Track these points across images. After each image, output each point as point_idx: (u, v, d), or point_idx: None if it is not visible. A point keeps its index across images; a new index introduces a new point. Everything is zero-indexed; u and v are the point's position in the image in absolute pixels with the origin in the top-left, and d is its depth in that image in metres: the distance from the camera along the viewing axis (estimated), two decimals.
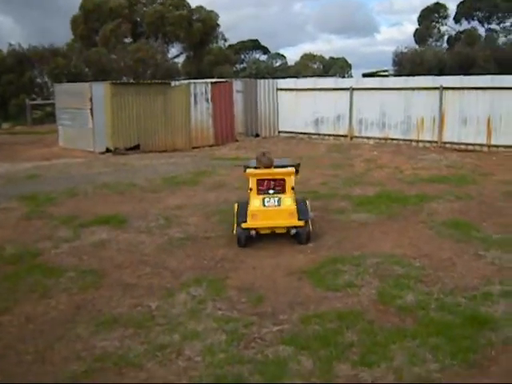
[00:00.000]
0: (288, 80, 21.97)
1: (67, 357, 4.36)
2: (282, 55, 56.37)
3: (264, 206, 6.98)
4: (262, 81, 21.00)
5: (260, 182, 7.08)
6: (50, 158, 15.58)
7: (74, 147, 17.03)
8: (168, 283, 5.84)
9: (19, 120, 27.30)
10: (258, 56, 55.10)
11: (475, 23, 45.44)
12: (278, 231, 7.11)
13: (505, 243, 6.90)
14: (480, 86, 15.60)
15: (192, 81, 19.55)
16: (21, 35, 56.56)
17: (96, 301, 5.42)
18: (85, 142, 16.62)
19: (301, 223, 6.95)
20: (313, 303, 5.21)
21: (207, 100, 18.01)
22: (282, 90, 20.33)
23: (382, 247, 6.87)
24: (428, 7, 46.83)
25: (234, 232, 7.09)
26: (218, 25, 39.40)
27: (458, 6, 45.18)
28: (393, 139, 17.45)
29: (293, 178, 7.13)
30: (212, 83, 18.48)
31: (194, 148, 17.42)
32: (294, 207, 6.95)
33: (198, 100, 17.78)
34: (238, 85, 19.97)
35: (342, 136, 18.67)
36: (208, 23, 37.93)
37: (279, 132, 20.50)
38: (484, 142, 15.62)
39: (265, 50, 55.19)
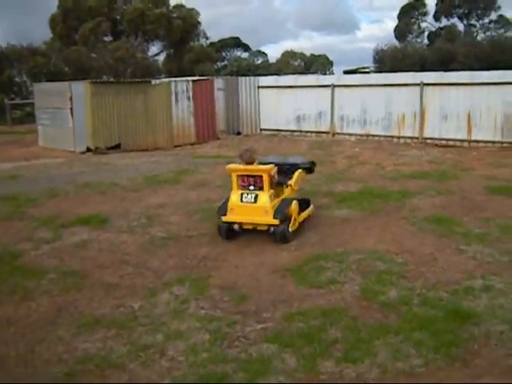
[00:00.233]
0: (269, 77, 21.99)
1: (49, 359, 4.31)
2: (264, 53, 56.48)
3: (241, 201, 7.05)
4: (244, 78, 20.98)
5: (241, 177, 7.13)
6: (30, 158, 15.42)
7: (54, 147, 16.90)
8: (150, 283, 5.80)
9: None
10: (239, 54, 55.14)
11: (455, 20, 45.87)
12: (258, 228, 7.11)
13: (486, 238, 6.96)
14: (460, 82, 15.74)
15: (173, 79, 19.45)
16: None
17: (78, 302, 5.36)
18: (65, 141, 16.49)
19: (275, 222, 6.88)
20: (296, 300, 5.20)
21: (188, 98, 17.93)
22: (263, 87, 20.33)
23: (365, 243, 6.88)
24: (408, 4, 47.08)
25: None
26: (198, 22, 39.23)
27: (437, 3, 45.51)
28: (374, 135, 17.54)
29: (270, 175, 7.02)
30: (193, 81, 18.40)
31: (175, 146, 17.34)
32: (268, 205, 6.89)
33: (179, 98, 17.69)
34: (219, 83, 19.94)
35: (324, 133, 18.73)
36: (188, 21, 37.76)
37: (261, 130, 20.49)
38: (464, 137, 15.77)
39: (246, 48, 55.21)
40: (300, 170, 7.83)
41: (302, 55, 56.57)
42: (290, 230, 7.07)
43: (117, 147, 16.41)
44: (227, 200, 7.23)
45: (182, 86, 17.89)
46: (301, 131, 19.38)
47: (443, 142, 16.02)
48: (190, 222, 8.13)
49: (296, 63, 54.93)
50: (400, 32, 46.16)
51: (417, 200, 9.07)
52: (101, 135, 16.20)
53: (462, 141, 15.80)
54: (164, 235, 7.49)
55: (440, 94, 16.11)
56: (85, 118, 16.01)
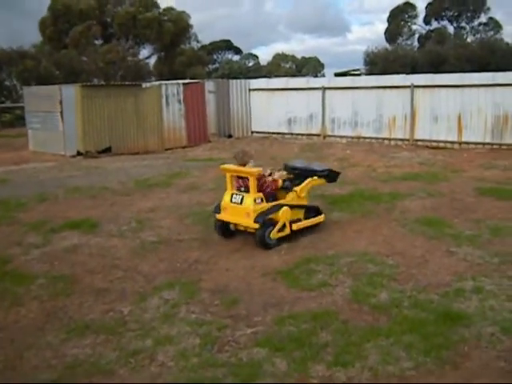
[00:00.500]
0: (260, 80, 21.99)
1: (37, 365, 4.28)
2: (255, 55, 56.62)
3: (231, 201, 7.10)
4: (235, 81, 20.98)
5: (235, 178, 7.20)
6: (20, 162, 15.33)
7: (44, 151, 16.80)
8: (141, 287, 5.76)
9: None
10: (230, 56, 55.20)
11: (445, 22, 46.14)
12: (248, 230, 7.07)
13: (476, 239, 6.97)
14: (450, 84, 15.80)
15: (163, 82, 19.42)
16: None
17: (67, 307, 5.32)
18: (55, 145, 16.41)
19: (255, 225, 6.84)
20: (287, 304, 5.19)
21: (179, 101, 17.90)
22: (254, 90, 20.34)
23: (356, 246, 6.88)
24: (397, 6, 47.31)
25: None
26: (189, 25, 39.18)
27: (427, 7, 45.79)
28: (365, 138, 17.58)
29: (261, 179, 7.02)
30: (184, 84, 18.38)
31: (166, 149, 17.31)
32: (251, 208, 6.83)
33: (169, 101, 17.66)
34: (210, 85, 19.95)
35: (315, 135, 18.75)
36: (179, 24, 37.69)
37: (252, 132, 20.50)
38: (455, 139, 15.83)
39: (237, 51, 55.30)
40: (315, 178, 7.56)
41: (293, 58, 56.70)
42: (274, 236, 6.91)
43: (107, 151, 16.34)
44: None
45: (173, 89, 17.86)
46: (292, 134, 19.39)
47: (434, 144, 16.08)
48: (181, 226, 8.10)
49: (287, 66, 55.09)
50: (390, 34, 46.38)
51: (408, 202, 9.08)
52: (91, 139, 16.13)
53: (452, 142, 15.86)
54: (155, 239, 7.45)
55: (430, 96, 16.17)
56: (75, 121, 15.94)
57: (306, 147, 16.70)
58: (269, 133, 19.91)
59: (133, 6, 37.13)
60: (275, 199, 7.19)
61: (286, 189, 7.36)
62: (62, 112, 15.97)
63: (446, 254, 6.48)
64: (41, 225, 8.24)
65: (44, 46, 36.20)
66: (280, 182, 7.29)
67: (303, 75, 47.57)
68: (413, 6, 46.98)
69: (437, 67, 30.37)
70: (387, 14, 47.87)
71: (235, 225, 7.23)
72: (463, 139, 15.68)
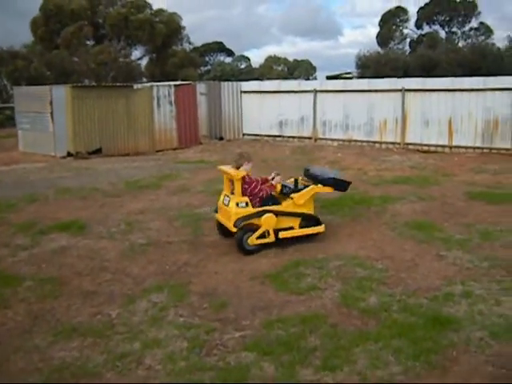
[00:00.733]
0: (252, 82, 22.01)
1: (24, 368, 4.23)
2: (247, 57, 56.70)
3: (223, 202, 7.17)
4: (226, 83, 20.94)
5: (229, 180, 7.20)
6: (10, 162, 15.23)
7: (34, 152, 16.71)
8: (129, 290, 5.73)
9: None
10: (222, 58, 55.21)
11: (436, 27, 46.36)
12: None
13: (466, 243, 6.98)
14: (441, 88, 15.85)
15: (155, 83, 19.37)
16: None
17: (55, 310, 5.27)
18: (45, 146, 16.32)
19: (233, 229, 6.79)
20: (276, 307, 5.17)
21: (170, 103, 17.85)
22: (246, 92, 20.34)
23: (346, 249, 6.87)
24: (389, 11, 47.50)
25: None
26: (181, 27, 39.14)
27: (418, 11, 45.98)
28: (356, 141, 17.61)
29: (240, 180, 6.85)
30: (175, 86, 18.32)
31: (157, 151, 17.25)
32: (233, 211, 6.78)
33: (161, 103, 17.61)
34: (201, 87, 19.90)
35: (307, 138, 18.77)
36: (171, 25, 37.67)
37: (244, 134, 20.49)
38: (446, 143, 15.88)
39: (229, 53, 55.34)
40: (319, 186, 7.32)
41: (285, 60, 56.84)
42: (252, 242, 6.77)
43: (98, 152, 16.26)
44: None
45: (164, 90, 17.81)
46: (283, 136, 19.40)
47: (425, 148, 16.13)
48: (170, 228, 8.06)
49: (279, 68, 55.21)
50: (382, 38, 46.53)
51: (398, 206, 9.09)
52: (82, 140, 16.04)
53: (443, 146, 15.92)
54: (144, 241, 7.41)
55: (421, 99, 16.22)
56: (65, 122, 15.85)
57: (297, 150, 16.71)
58: (260, 135, 19.92)
59: (125, 7, 37.08)
60: (276, 204, 7.08)
61: (285, 194, 7.22)
62: (52, 113, 15.90)
63: (435, 258, 6.49)
64: (30, 226, 8.18)
65: (35, 46, 36.05)
66: (278, 187, 7.22)
67: (295, 78, 47.70)
68: (404, 11, 47.23)
69: (428, 71, 30.53)
70: (379, 18, 48.09)
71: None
72: (454, 143, 15.74)
